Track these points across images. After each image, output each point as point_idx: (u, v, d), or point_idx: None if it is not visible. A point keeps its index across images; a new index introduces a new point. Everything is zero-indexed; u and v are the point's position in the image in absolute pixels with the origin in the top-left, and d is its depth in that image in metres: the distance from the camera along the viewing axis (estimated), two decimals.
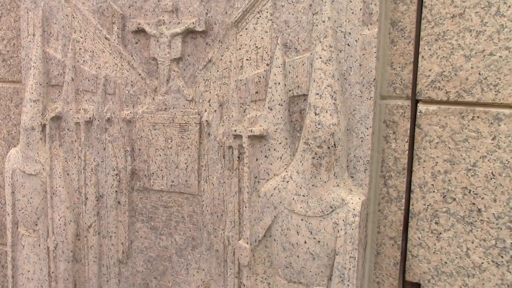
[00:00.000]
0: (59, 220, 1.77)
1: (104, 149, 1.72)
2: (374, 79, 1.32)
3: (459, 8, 1.27)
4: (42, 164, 1.77)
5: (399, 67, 1.36)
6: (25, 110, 1.78)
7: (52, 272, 1.80)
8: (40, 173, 1.78)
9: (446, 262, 1.36)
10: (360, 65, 1.33)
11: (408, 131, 1.37)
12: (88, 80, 1.72)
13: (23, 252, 1.85)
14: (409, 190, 1.39)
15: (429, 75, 1.32)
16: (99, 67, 1.70)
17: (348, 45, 1.33)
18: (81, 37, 1.72)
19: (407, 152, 1.37)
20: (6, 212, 1.86)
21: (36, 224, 1.82)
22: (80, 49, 1.73)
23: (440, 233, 1.36)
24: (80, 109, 1.74)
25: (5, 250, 2.09)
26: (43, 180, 1.78)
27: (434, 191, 1.35)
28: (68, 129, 1.76)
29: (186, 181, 1.62)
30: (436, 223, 1.36)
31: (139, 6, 1.62)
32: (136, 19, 1.63)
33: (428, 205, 1.36)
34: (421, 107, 1.35)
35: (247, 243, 1.48)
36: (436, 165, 1.34)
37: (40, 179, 1.78)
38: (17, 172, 1.82)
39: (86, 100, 1.74)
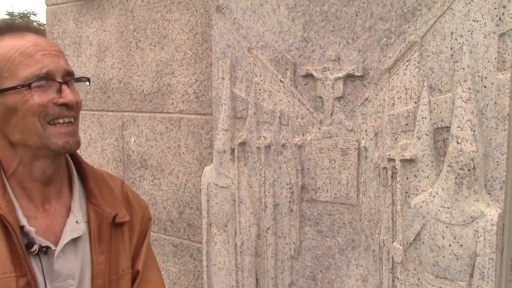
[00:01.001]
0: (244, 223, 2.27)
1: (280, 168, 2.19)
2: (508, 114, 1.62)
3: None
4: (231, 179, 2.29)
5: None
6: (218, 137, 2.31)
7: (239, 264, 2.31)
8: (230, 186, 2.30)
9: None
10: (495, 103, 1.64)
11: None
12: (267, 114, 2.21)
13: (215, 247, 2.39)
14: None
15: None
16: (275, 104, 2.18)
17: (485, 87, 1.65)
18: (261, 80, 2.21)
19: None
20: (202, 216, 2.41)
21: (226, 226, 2.34)
22: (260, 89, 2.21)
23: None
24: (260, 137, 2.23)
25: (197, 246, 2.65)
26: (232, 191, 2.29)
27: None
28: (251, 152, 2.26)
29: (347, 194, 2.03)
30: None
31: (307, 55, 2.07)
32: (305, 66, 2.07)
33: None
34: None
35: (400, 245, 1.85)
36: None
37: (229, 190, 2.30)
38: (211, 185, 2.36)
39: (265, 130, 2.22)
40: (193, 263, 2.69)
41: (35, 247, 1.08)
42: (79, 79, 1.17)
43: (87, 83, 1.21)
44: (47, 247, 1.10)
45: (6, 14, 33.28)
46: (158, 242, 2.81)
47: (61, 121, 1.11)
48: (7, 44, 1.09)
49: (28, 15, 33.38)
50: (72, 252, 1.14)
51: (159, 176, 2.77)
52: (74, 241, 1.14)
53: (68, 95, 1.10)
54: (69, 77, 1.13)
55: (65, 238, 1.13)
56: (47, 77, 1.08)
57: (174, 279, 2.77)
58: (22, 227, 1.08)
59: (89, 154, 3.12)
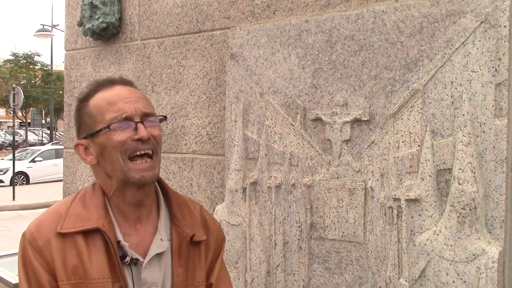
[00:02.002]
0: (255, 260, 2.36)
1: (289, 207, 2.29)
2: (506, 158, 1.75)
3: None
4: (243, 217, 2.39)
5: None
6: (230, 177, 2.42)
7: None
8: (241, 224, 2.40)
9: None
10: (494, 147, 1.76)
11: None
12: (277, 155, 2.33)
13: None
14: None
15: None
16: (285, 146, 2.30)
17: (483, 132, 1.78)
18: (272, 123, 2.34)
19: None
20: None
21: (237, 263, 2.42)
22: (271, 132, 2.34)
23: None
24: (271, 177, 2.34)
25: None
26: (243, 229, 2.39)
27: None
28: (262, 192, 2.37)
29: (354, 232, 2.13)
30: None
31: (317, 101, 2.21)
32: (314, 111, 2.21)
33: None
34: None
35: (406, 281, 1.93)
36: None
37: (241, 228, 2.40)
38: (223, 222, 2.46)
39: (276, 170, 2.34)
40: None
41: (128, 259, 1.32)
42: (155, 117, 1.39)
43: (164, 119, 1.44)
44: (137, 259, 1.33)
45: (11, 55, 33.91)
46: None
47: (138, 153, 1.32)
48: (99, 97, 1.36)
49: (32, 56, 33.99)
50: (157, 264, 1.37)
51: None
52: (159, 255, 1.37)
53: (141, 132, 1.32)
54: (147, 117, 1.35)
55: (151, 252, 1.36)
56: (126, 119, 1.32)
57: None
58: (118, 242, 1.32)
59: None
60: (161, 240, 1.38)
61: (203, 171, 2.71)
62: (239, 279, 2.42)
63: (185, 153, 2.79)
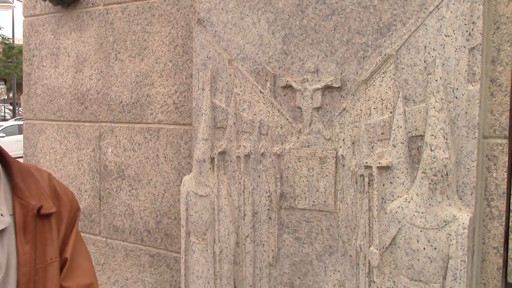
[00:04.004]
0: (223, 231, 2.31)
1: (259, 177, 2.24)
2: (478, 123, 1.72)
3: None
4: (211, 187, 2.33)
5: (498, 113, 1.76)
6: (198, 146, 2.35)
7: (217, 272, 2.33)
8: (209, 195, 2.33)
9: None
10: (466, 113, 1.74)
11: (506, 163, 1.74)
12: (246, 124, 2.26)
13: (194, 256, 2.41)
14: (508, 210, 1.76)
15: None
16: (255, 114, 2.24)
17: (456, 97, 1.75)
18: (241, 91, 2.27)
19: (506, 180, 1.75)
20: (181, 225, 2.43)
21: (205, 234, 2.36)
22: (240, 100, 2.27)
23: None
24: (240, 146, 2.28)
25: (174, 256, 2.66)
26: (212, 200, 2.33)
27: None
28: (231, 161, 2.30)
29: (324, 201, 2.09)
30: None
31: (287, 67, 2.14)
32: (285, 78, 2.14)
33: None
34: None
35: (377, 249, 1.91)
36: None
37: (209, 199, 2.34)
38: (190, 194, 2.39)
39: (245, 139, 2.27)
40: (170, 273, 2.69)
41: None
42: None
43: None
44: None
45: None
46: (134, 253, 2.81)
47: None
48: None
49: None
50: None
51: (136, 186, 2.78)
52: (1, 233, 1.20)
53: None
54: None
55: None
56: None
57: None
58: None
59: (64, 165, 3.10)
60: (1, 215, 1.20)
61: (170, 141, 2.63)
62: (207, 250, 2.36)
63: (150, 123, 2.70)
